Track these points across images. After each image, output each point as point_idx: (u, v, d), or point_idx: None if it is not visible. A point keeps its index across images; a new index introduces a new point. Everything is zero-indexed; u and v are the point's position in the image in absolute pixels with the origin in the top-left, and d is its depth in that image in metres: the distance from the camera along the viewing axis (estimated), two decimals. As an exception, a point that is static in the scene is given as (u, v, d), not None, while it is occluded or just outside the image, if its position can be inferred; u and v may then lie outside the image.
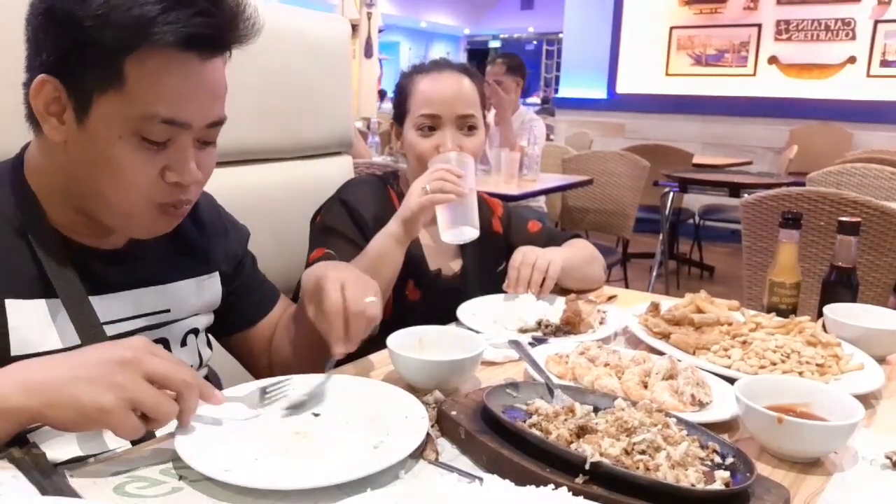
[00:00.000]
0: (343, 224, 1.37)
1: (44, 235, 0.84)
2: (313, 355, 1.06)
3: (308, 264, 1.33)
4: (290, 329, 1.11)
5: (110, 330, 0.88)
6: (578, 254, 1.47)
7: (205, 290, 1.02)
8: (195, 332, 1.01)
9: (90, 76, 0.77)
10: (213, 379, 1.12)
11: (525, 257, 1.34)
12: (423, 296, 1.40)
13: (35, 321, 0.83)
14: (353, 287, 0.92)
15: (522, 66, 3.86)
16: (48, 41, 0.78)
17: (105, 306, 0.88)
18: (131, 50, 0.75)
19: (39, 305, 0.83)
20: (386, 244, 1.24)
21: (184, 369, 0.74)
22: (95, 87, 0.77)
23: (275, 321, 1.15)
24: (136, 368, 0.69)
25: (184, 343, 0.99)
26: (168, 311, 0.96)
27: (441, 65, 1.43)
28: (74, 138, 0.79)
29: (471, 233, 1.27)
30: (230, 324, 1.11)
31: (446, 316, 1.25)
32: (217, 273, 1.05)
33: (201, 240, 1.04)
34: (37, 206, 0.85)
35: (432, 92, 1.37)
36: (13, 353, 0.81)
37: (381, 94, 12.71)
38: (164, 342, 0.96)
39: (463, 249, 1.48)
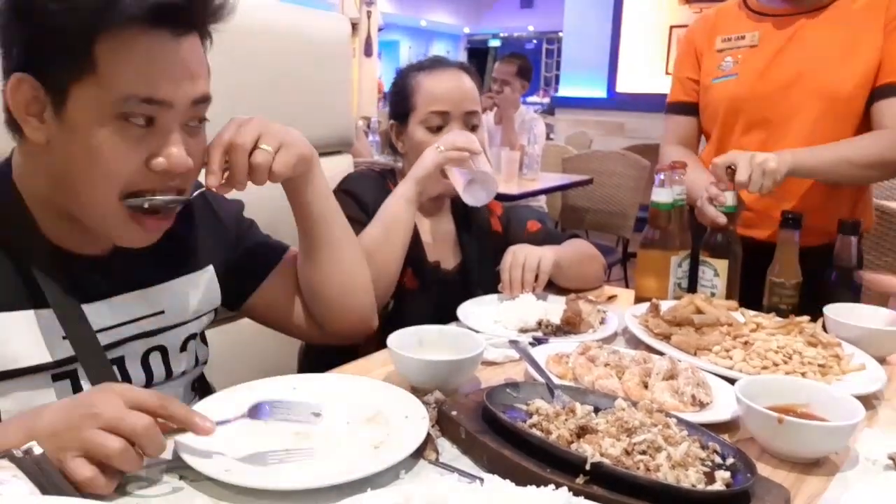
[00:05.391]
0: (351, 209, 1.37)
1: (33, 244, 0.82)
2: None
3: None
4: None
5: (104, 338, 0.86)
6: (573, 251, 1.47)
7: (200, 288, 1.00)
8: (194, 336, 1.00)
9: (62, 65, 0.74)
10: (204, 382, 1.11)
11: (515, 258, 1.34)
12: (422, 285, 1.40)
13: (22, 333, 0.80)
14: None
15: (531, 71, 3.91)
16: (17, 37, 0.75)
17: (96, 314, 0.86)
18: (99, 30, 0.72)
19: (27, 316, 0.81)
20: (397, 205, 1.27)
21: (133, 417, 0.67)
22: (69, 76, 0.74)
23: (289, 270, 1.10)
24: (94, 422, 0.66)
25: (183, 348, 0.98)
26: (162, 312, 0.94)
27: (442, 62, 1.44)
28: (56, 136, 0.77)
29: (490, 190, 1.27)
30: (242, 288, 1.08)
31: (444, 310, 1.26)
32: (211, 267, 1.02)
33: (192, 236, 1.00)
34: (24, 213, 0.82)
35: (441, 89, 1.38)
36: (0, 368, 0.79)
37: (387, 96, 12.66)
38: (162, 349, 0.94)
39: (462, 246, 1.48)
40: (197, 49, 0.82)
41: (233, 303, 1.09)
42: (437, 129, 1.38)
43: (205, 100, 0.83)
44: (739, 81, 1.59)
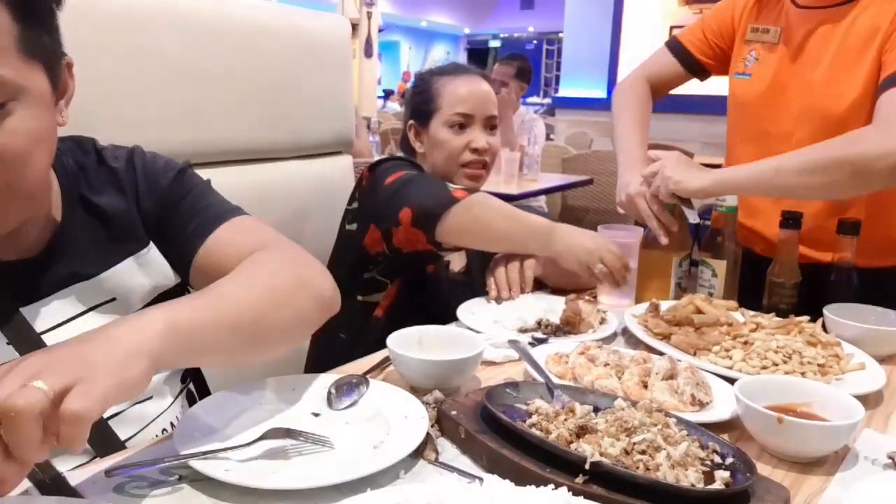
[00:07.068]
0: (404, 162, 1.42)
1: None
2: None
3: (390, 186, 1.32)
4: None
5: (53, 337, 0.82)
6: None
7: (148, 267, 0.92)
8: None
9: None
10: (199, 381, 1.09)
11: (495, 263, 1.40)
12: (435, 272, 1.45)
13: None
14: None
15: (531, 73, 3.93)
16: None
17: (40, 315, 0.82)
18: None
19: None
20: (533, 241, 1.30)
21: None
22: None
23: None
24: None
25: None
26: (114, 299, 0.89)
27: (465, 69, 1.52)
28: None
29: (627, 300, 1.38)
30: (182, 252, 0.92)
31: (447, 310, 1.27)
32: (152, 244, 0.93)
33: (126, 212, 0.91)
34: None
35: (467, 92, 1.47)
36: None
37: (388, 94, 12.64)
38: None
39: (468, 249, 1.50)
40: None
41: (183, 273, 0.95)
42: (459, 130, 1.46)
43: None
44: (750, 83, 1.52)
